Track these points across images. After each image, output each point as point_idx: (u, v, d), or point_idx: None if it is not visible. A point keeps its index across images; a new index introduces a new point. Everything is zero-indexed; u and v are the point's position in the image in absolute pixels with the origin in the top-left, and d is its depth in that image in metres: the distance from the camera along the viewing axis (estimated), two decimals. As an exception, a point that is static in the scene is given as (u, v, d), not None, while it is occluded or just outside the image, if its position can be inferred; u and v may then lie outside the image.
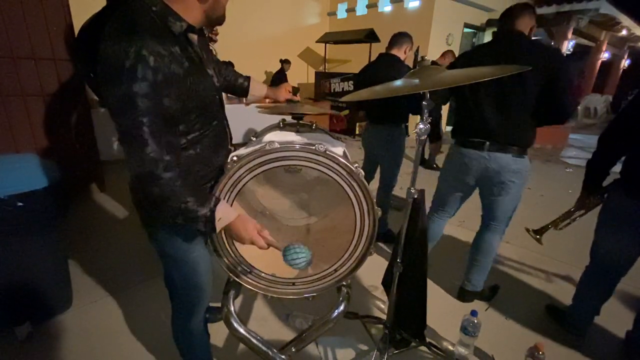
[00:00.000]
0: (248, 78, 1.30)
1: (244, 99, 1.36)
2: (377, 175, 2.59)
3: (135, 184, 0.81)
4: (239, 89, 1.28)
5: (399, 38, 2.33)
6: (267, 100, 1.38)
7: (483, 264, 1.86)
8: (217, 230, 0.89)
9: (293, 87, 1.35)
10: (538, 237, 1.84)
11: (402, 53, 2.33)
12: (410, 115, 2.37)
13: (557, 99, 1.52)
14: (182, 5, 0.82)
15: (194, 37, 0.89)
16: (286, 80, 6.78)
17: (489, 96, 1.60)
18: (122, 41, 0.73)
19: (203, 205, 0.85)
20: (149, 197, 0.82)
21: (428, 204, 1.97)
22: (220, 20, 0.91)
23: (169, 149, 0.81)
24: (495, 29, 7.31)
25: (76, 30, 2.71)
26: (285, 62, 6.79)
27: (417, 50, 2.92)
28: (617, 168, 1.50)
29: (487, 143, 1.61)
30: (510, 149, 1.59)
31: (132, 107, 0.73)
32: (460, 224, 2.87)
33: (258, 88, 1.31)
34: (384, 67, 2.30)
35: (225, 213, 0.90)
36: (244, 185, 0.98)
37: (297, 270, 1.19)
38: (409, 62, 2.43)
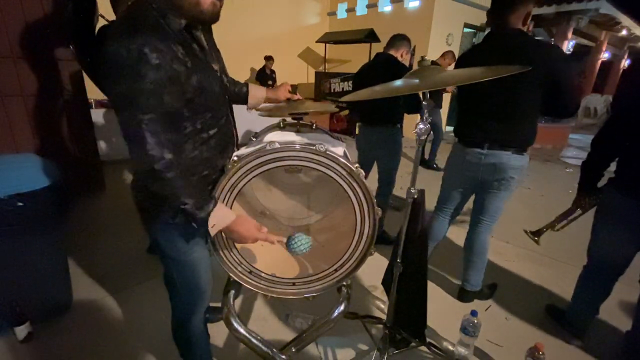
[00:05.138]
0: (246, 84, 1.31)
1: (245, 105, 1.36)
2: (373, 176, 2.59)
3: (138, 180, 0.82)
4: (239, 95, 1.28)
5: (397, 41, 2.32)
6: (268, 102, 1.38)
7: (478, 264, 1.87)
8: (212, 235, 0.90)
9: (292, 86, 1.34)
10: (536, 238, 1.84)
11: (399, 56, 2.33)
12: (406, 115, 2.37)
13: (558, 98, 1.50)
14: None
15: (198, 33, 0.88)
16: (271, 77, 6.75)
17: (485, 102, 1.60)
18: (124, 39, 0.73)
19: (201, 209, 0.85)
20: (151, 193, 0.83)
21: (428, 204, 1.98)
22: (201, 14, 0.83)
23: (171, 147, 0.81)
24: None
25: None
26: (267, 59, 6.69)
27: (414, 50, 2.95)
28: (612, 167, 1.50)
29: (487, 144, 1.62)
30: (510, 149, 1.60)
31: (133, 104, 0.74)
32: (460, 224, 2.87)
33: (257, 92, 1.31)
34: (380, 68, 2.30)
35: (221, 218, 0.89)
36: (244, 185, 0.98)
37: (297, 271, 1.20)
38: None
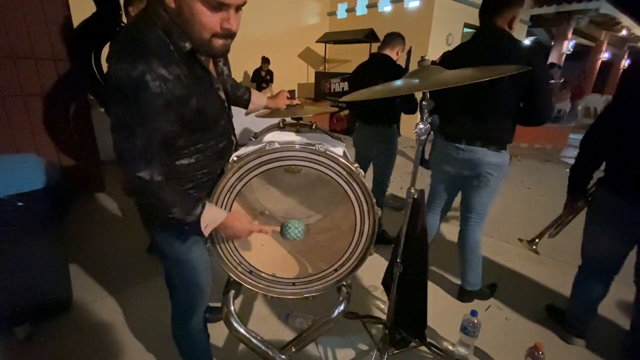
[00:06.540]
0: (248, 89, 1.31)
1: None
2: (370, 175, 2.59)
3: (126, 194, 0.83)
4: (240, 101, 1.29)
5: (392, 39, 2.34)
6: (267, 109, 1.38)
7: (474, 261, 1.88)
8: (206, 235, 0.91)
9: (289, 91, 1.34)
10: (534, 247, 1.82)
11: (395, 54, 2.35)
12: (407, 115, 2.37)
13: (533, 103, 1.54)
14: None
15: (202, 56, 0.88)
16: (265, 80, 6.71)
17: (462, 101, 1.63)
18: (126, 62, 0.71)
19: (189, 214, 0.87)
20: (139, 205, 0.86)
21: (428, 204, 1.97)
22: (211, 50, 0.81)
23: (161, 169, 0.81)
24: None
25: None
26: (264, 61, 6.64)
27: (410, 51, 2.96)
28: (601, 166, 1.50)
29: (464, 140, 1.67)
30: (485, 145, 1.64)
31: (128, 129, 0.75)
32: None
33: (258, 99, 1.31)
34: (376, 69, 2.32)
35: (212, 217, 0.90)
36: (244, 185, 0.98)
37: (297, 271, 1.20)
38: (401, 63, 2.46)
